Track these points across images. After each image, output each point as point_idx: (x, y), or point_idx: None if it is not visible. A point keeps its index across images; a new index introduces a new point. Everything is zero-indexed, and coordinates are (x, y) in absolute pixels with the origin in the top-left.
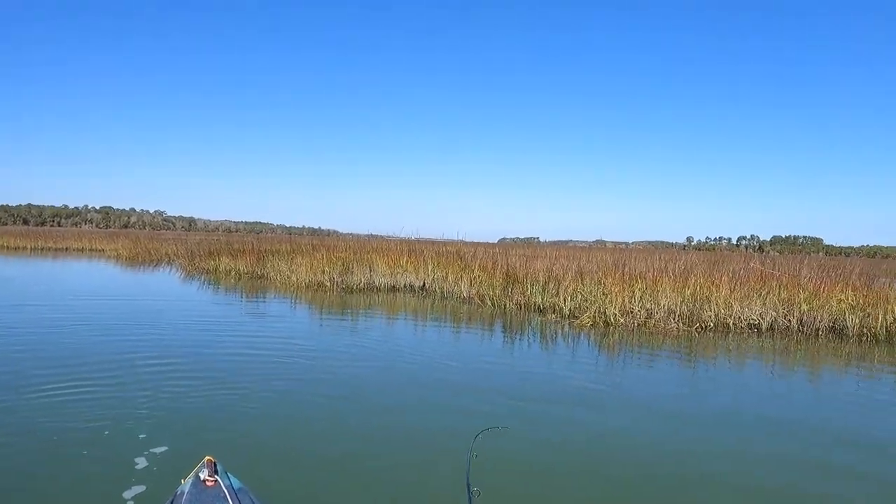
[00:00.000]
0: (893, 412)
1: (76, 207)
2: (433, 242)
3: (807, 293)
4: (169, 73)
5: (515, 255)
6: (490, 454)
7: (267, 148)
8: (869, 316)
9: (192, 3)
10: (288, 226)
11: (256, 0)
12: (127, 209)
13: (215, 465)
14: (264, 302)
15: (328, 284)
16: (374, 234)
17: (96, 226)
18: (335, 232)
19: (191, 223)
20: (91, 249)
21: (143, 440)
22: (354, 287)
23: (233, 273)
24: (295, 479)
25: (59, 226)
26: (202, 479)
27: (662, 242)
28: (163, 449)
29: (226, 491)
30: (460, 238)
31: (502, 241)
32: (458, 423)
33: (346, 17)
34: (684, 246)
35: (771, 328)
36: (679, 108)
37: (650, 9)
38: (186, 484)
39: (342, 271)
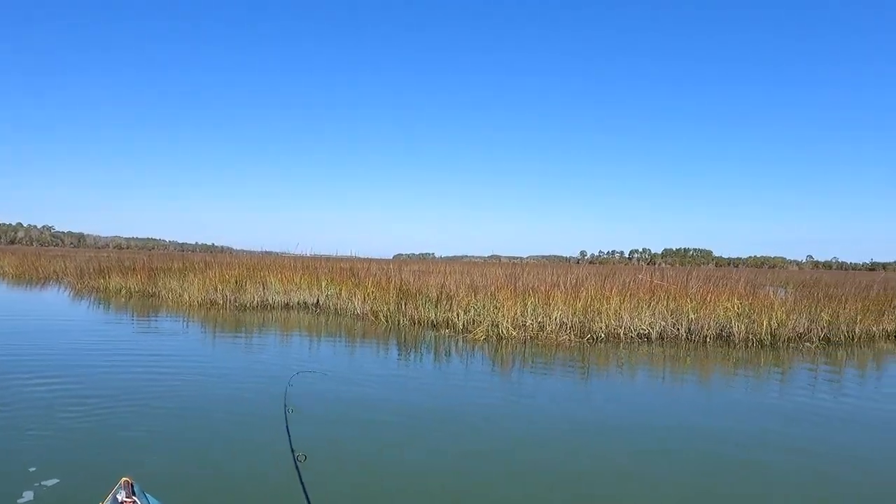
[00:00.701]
0: (782, 412)
1: None
2: (327, 259)
3: (694, 302)
4: (54, 81)
5: (409, 270)
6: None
7: (157, 162)
8: (754, 322)
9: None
10: (181, 242)
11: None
12: (13, 224)
13: (132, 486)
14: (156, 321)
15: (221, 302)
16: (268, 250)
17: None
18: (229, 249)
19: (80, 239)
20: None
21: (37, 470)
22: (248, 305)
23: (123, 291)
24: (209, 495)
25: None
26: (120, 501)
27: (556, 257)
28: (66, 475)
29: None
30: (354, 254)
31: (397, 256)
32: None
33: (237, 25)
34: (578, 260)
35: (660, 337)
36: (570, 125)
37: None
38: None
39: (235, 289)
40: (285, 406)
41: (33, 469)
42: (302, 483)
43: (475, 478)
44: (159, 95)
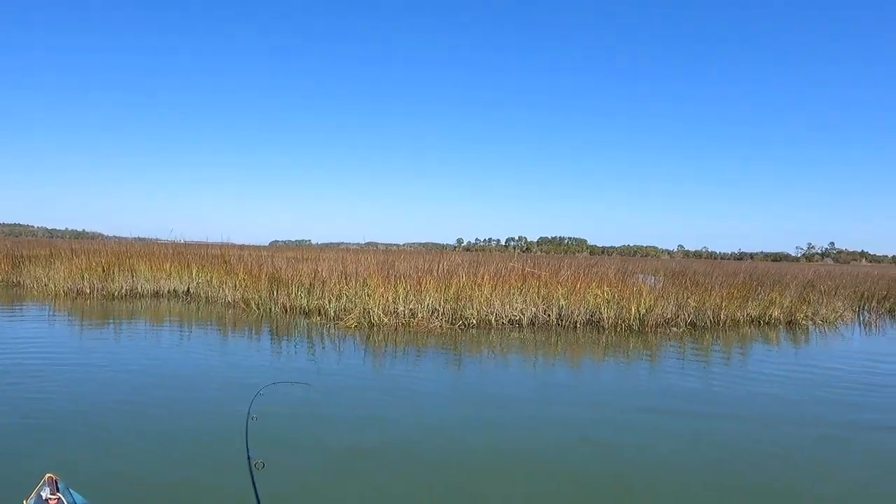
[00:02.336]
0: (651, 394)
1: None
2: (199, 245)
3: (564, 289)
4: None
5: (284, 257)
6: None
7: (21, 144)
8: (623, 309)
9: None
10: (49, 228)
11: None
12: None
13: (57, 483)
14: (21, 311)
15: (88, 291)
16: (140, 237)
17: None
18: (99, 235)
19: None
20: None
21: None
22: (116, 294)
23: None
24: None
25: None
26: (44, 497)
27: (433, 244)
28: None
29: None
30: (227, 240)
31: (274, 243)
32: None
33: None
34: (455, 247)
35: (532, 323)
36: (446, 111)
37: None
38: None
39: (102, 277)
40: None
41: None
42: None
43: (352, 474)
44: (25, 73)
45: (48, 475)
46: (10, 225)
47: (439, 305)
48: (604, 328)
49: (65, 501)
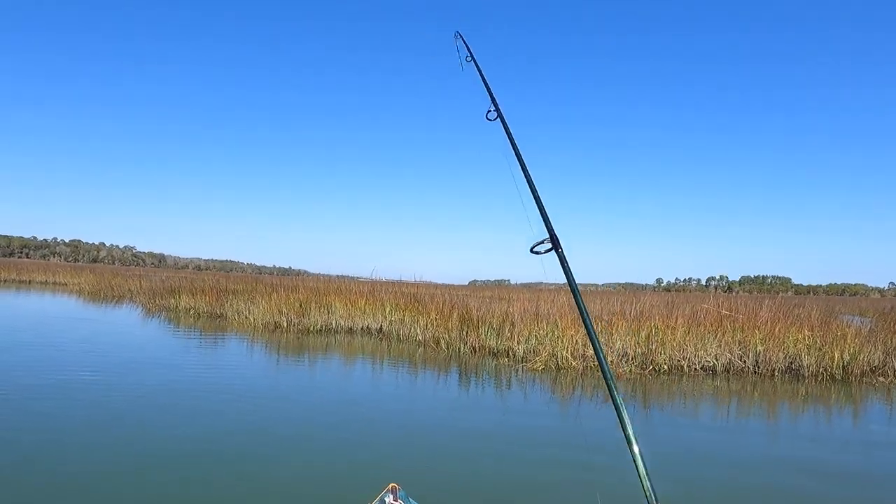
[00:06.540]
0: (846, 450)
1: (45, 239)
2: (393, 284)
3: (762, 333)
4: (140, 106)
5: (479, 297)
6: None
7: (236, 186)
8: (825, 355)
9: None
10: (258, 265)
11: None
12: (96, 243)
13: (398, 492)
14: (223, 340)
15: (285, 325)
16: (343, 274)
17: (65, 259)
18: (304, 272)
19: (160, 259)
20: (55, 283)
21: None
22: (311, 328)
23: (192, 312)
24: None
25: (27, 257)
26: (388, 502)
27: (632, 284)
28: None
29: None
30: (420, 279)
31: (472, 282)
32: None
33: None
34: (654, 287)
35: (726, 370)
36: (640, 149)
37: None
38: None
39: (299, 312)
40: None
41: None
42: None
43: None
44: (239, 119)
45: (391, 484)
46: (223, 261)
47: (630, 349)
48: (803, 376)
49: None
